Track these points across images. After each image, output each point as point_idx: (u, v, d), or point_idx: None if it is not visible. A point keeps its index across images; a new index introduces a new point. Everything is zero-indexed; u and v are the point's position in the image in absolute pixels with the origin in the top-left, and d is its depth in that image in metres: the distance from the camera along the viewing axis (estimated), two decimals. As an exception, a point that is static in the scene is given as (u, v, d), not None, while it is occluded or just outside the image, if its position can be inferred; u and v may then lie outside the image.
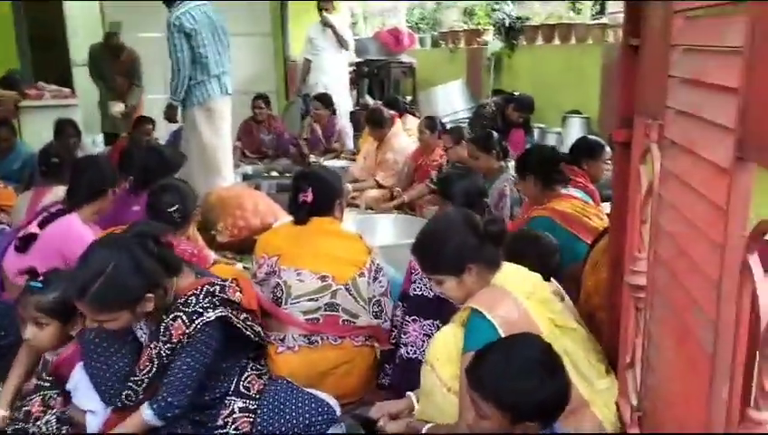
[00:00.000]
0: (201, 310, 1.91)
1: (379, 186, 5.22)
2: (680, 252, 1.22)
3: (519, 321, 1.66)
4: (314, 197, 2.46)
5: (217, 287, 1.98)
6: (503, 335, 1.61)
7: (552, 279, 2.24)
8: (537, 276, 1.87)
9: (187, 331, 1.88)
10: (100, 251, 1.83)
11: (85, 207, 2.80)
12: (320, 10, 6.65)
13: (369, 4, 11.70)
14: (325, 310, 2.37)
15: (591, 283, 2.36)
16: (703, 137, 1.10)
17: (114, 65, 6.52)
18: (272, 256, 2.40)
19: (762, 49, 0.87)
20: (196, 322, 1.89)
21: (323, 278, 2.36)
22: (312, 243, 2.41)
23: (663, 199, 1.34)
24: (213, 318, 1.91)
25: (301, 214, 2.49)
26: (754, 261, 0.90)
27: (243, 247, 4.08)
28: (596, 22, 6.04)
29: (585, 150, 3.59)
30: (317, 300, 2.35)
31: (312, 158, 6.22)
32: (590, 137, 3.92)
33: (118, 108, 6.41)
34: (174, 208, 2.69)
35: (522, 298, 1.73)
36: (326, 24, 6.67)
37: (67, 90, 6.62)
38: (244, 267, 3.42)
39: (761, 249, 0.94)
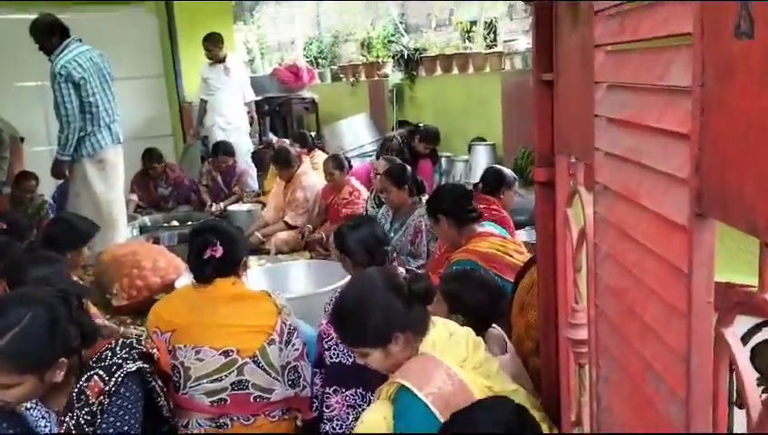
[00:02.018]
0: (120, 361, 1.66)
1: (289, 227, 4.99)
2: (628, 311, 1.09)
3: (454, 394, 1.49)
4: (224, 252, 2.22)
5: (134, 340, 1.78)
6: (436, 413, 1.43)
7: (495, 326, 2.12)
8: (469, 335, 1.71)
9: (106, 388, 1.62)
10: (17, 302, 1.60)
11: None
12: (207, 51, 6.40)
13: (264, 38, 11.53)
14: (233, 389, 2.11)
15: (521, 327, 2.24)
16: (645, 185, 0.98)
17: None
18: (165, 332, 2.11)
19: (716, 89, 0.75)
20: (116, 375, 1.64)
21: (227, 354, 2.10)
22: (212, 313, 2.13)
23: (600, 249, 1.21)
24: (134, 369, 1.67)
25: (207, 271, 2.22)
26: (731, 336, 0.77)
27: (143, 310, 3.72)
28: (492, 51, 6.14)
29: (497, 180, 3.54)
30: (221, 380, 2.08)
31: (214, 207, 5.90)
32: (499, 167, 3.89)
33: None
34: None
35: (455, 367, 1.56)
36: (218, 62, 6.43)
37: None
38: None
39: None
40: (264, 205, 5.71)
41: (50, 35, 4.11)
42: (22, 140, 6.07)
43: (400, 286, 1.66)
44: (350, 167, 4.94)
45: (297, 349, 2.24)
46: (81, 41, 4.25)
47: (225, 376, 2.08)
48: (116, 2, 8.54)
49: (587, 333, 1.36)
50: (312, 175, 5.19)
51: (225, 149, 6.11)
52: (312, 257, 4.61)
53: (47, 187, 5.36)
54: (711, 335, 0.83)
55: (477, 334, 2.00)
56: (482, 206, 3.16)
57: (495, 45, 6.53)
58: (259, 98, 7.29)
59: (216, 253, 2.19)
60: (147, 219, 5.47)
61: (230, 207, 5.75)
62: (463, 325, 1.79)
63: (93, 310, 3.38)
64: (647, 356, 1.02)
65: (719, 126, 0.76)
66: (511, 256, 2.86)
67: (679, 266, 0.86)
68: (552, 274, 1.58)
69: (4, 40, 6.13)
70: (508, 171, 3.73)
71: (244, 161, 6.53)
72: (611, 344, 1.20)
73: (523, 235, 3.84)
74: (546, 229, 1.62)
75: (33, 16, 4.25)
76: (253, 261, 4.36)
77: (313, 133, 7.85)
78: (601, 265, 1.21)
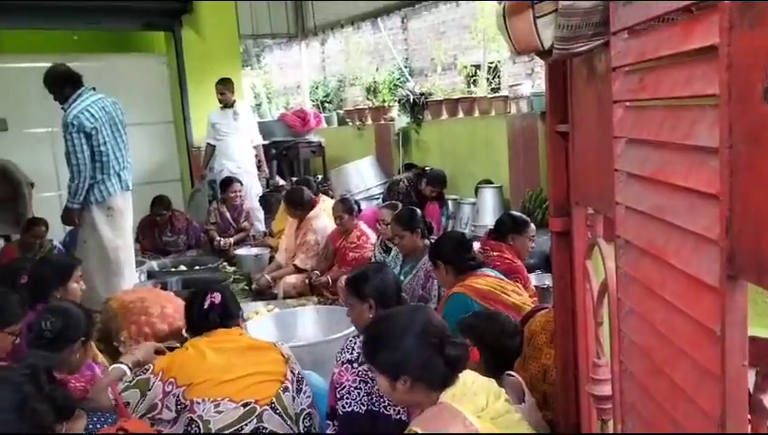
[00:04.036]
0: None
1: (298, 270, 4.97)
2: (656, 369, 1.07)
3: (470, 447, 1.46)
4: (222, 298, 2.34)
5: None
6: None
7: (512, 373, 2.09)
8: (489, 384, 1.68)
9: None
10: None
11: None
12: (220, 94, 6.50)
13: (271, 83, 11.72)
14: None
15: (525, 380, 2.21)
16: (673, 244, 0.97)
17: None
18: (180, 386, 2.09)
19: (746, 151, 0.75)
20: None
21: (246, 404, 2.10)
22: (226, 365, 2.13)
23: (624, 304, 1.20)
24: None
25: (211, 317, 2.31)
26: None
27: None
28: (497, 95, 6.21)
29: (511, 226, 3.53)
30: (242, 429, 2.07)
31: (222, 241, 5.92)
32: (514, 213, 3.89)
33: None
34: (49, 331, 2.28)
35: (472, 417, 1.53)
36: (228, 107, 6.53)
37: (-58, 195, 6.01)
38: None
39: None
40: (271, 248, 5.71)
41: (63, 85, 4.16)
42: (32, 185, 6.12)
43: (437, 344, 1.64)
44: (360, 210, 4.93)
45: (309, 396, 2.30)
46: (94, 89, 4.31)
47: (246, 425, 2.08)
48: (128, 51, 8.76)
49: (611, 389, 1.34)
50: (322, 218, 5.19)
51: (235, 180, 6.21)
52: (319, 301, 4.59)
53: (56, 232, 5.37)
54: (746, 399, 0.81)
55: (495, 376, 1.98)
56: (495, 253, 3.16)
57: (500, 89, 6.62)
58: (266, 142, 7.36)
59: (216, 299, 2.31)
60: (155, 264, 5.45)
61: (238, 252, 5.74)
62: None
63: (100, 358, 3.35)
64: (677, 418, 1.00)
65: (750, 188, 0.75)
66: (508, 295, 2.86)
67: (711, 327, 0.85)
68: (570, 325, 1.56)
69: (17, 87, 6.24)
70: (522, 218, 3.71)
71: (254, 203, 6.57)
72: (638, 403, 1.18)
73: (533, 279, 3.81)
74: (563, 279, 1.60)
75: (46, 64, 4.31)
76: (261, 306, 4.34)
77: (320, 177, 7.91)
78: (626, 321, 1.20)
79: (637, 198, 1.11)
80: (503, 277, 3.10)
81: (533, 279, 3.86)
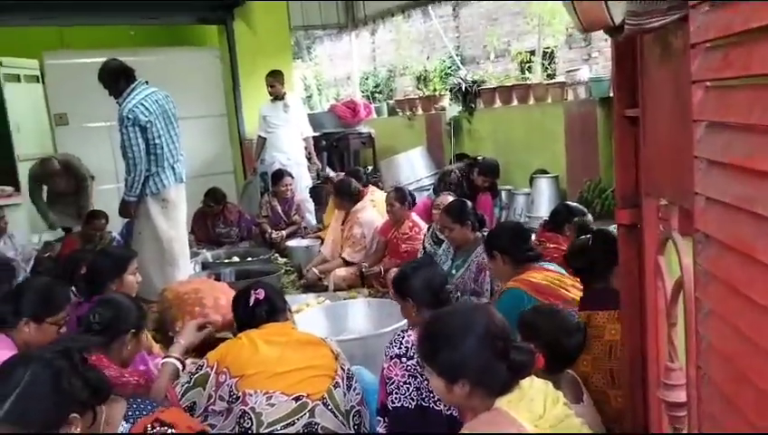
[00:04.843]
0: None
1: (347, 263, 4.94)
2: (741, 377, 0.96)
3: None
4: (266, 295, 2.38)
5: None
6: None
7: (569, 371, 1.99)
8: (546, 388, 1.58)
9: None
10: (15, 365, 1.56)
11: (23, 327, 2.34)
12: (270, 87, 6.51)
13: (322, 75, 11.74)
14: (304, 432, 2.08)
15: (587, 362, 2.13)
16: (762, 239, 0.86)
17: (53, 183, 6.13)
18: (233, 377, 2.08)
19: None
20: None
21: (298, 398, 2.08)
22: (279, 358, 2.12)
23: (702, 305, 1.09)
24: None
25: (258, 313, 2.33)
26: None
27: (204, 347, 3.72)
28: (554, 81, 6.01)
29: (567, 216, 3.40)
30: (294, 423, 2.06)
31: (275, 234, 5.96)
32: (570, 203, 3.74)
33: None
34: (98, 323, 2.28)
35: (528, 425, 1.44)
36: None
37: (9, 188, 6.28)
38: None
39: None
40: (322, 240, 5.71)
41: (117, 80, 4.24)
42: (92, 178, 6.30)
43: (501, 348, 1.54)
44: (414, 203, 4.85)
45: (359, 393, 2.27)
46: (147, 83, 4.37)
47: (298, 419, 2.07)
48: (183, 45, 8.91)
49: (685, 395, 1.23)
50: (369, 211, 5.14)
51: (287, 174, 6.24)
52: (370, 293, 4.55)
53: (116, 224, 5.50)
54: None
55: (553, 375, 1.89)
56: (552, 245, 3.03)
57: (555, 75, 6.41)
58: (317, 134, 7.37)
59: (260, 295, 2.35)
60: (209, 255, 5.53)
61: (289, 243, 5.76)
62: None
63: (156, 348, 3.40)
64: (765, 432, 0.90)
65: None
66: (567, 290, 2.73)
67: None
68: (638, 325, 1.45)
69: (76, 82, 6.40)
70: (578, 207, 3.57)
71: (304, 195, 6.58)
72: (718, 413, 1.07)
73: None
74: (631, 276, 1.50)
75: (104, 59, 4.39)
76: (311, 298, 4.34)
77: (370, 168, 7.87)
78: (704, 323, 1.09)
79: (719, 187, 1.01)
80: (563, 271, 2.97)
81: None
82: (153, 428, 1.63)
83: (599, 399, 2.07)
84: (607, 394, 2.06)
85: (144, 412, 1.69)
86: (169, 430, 1.63)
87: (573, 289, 2.75)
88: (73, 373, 1.56)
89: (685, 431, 1.28)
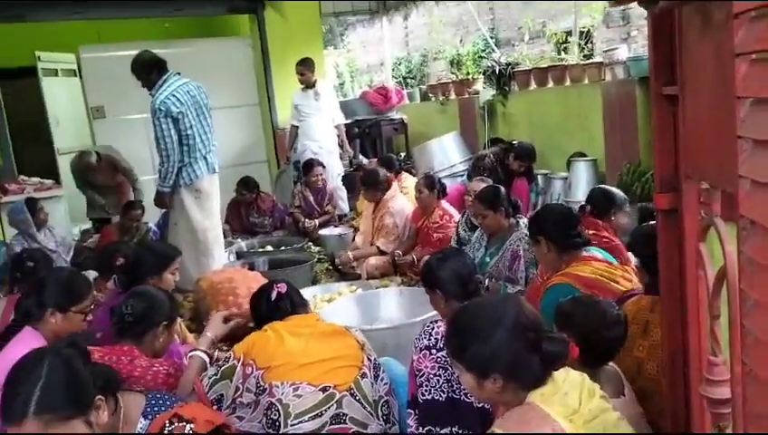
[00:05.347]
0: None
1: (381, 252, 4.90)
2: (792, 376, 0.89)
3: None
4: (287, 288, 2.41)
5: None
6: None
7: (611, 364, 1.92)
8: (582, 380, 1.51)
9: None
10: (31, 362, 1.57)
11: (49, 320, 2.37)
12: (300, 75, 6.49)
13: (354, 61, 11.68)
14: (331, 423, 2.06)
15: (627, 365, 2.03)
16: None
17: (93, 176, 6.23)
18: (259, 369, 2.07)
19: None
20: None
21: (324, 389, 2.06)
22: (305, 349, 2.10)
23: (748, 296, 1.01)
24: None
25: (283, 306, 2.36)
26: None
27: (238, 336, 3.74)
28: (590, 61, 5.82)
29: (606, 201, 3.27)
30: (322, 415, 2.04)
31: (308, 223, 5.96)
32: (607, 187, 3.60)
33: None
34: (129, 314, 2.30)
35: (562, 421, 1.38)
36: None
37: (49, 181, 6.42)
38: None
39: None
40: (355, 228, 5.68)
41: (149, 71, 4.27)
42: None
43: (533, 339, 1.48)
44: (445, 193, 4.77)
45: (386, 383, 2.25)
46: (179, 74, 4.39)
47: (325, 410, 2.05)
48: (215, 35, 8.96)
49: (729, 391, 1.15)
50: (400, 199, 5.09)
51: (317, 163, 6.21)
52: (403, 282, 4.51)
53: (153, 215, 5.57)
54: None
55: (592, 368, 1.81)
56: (591, 232, 2.92)
57: (592, 56, 6.22)
58: (349, 121, 7.32)
59: (282, 289, 2.37)
60: (243, 244, 5.56)
61: (321, 232, 5.75)
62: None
63: (190, 338, 3.43)
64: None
65: None
66: (618, 283, 2.61)
67: None
68: (679, 317, 1.37)
69: (112, 76, 6.49)
70: (617, 191, 3.43)
71: (336, 183, 6.56)
72: (766, 412, 0.99)
73: (633, 258, 3.54)
74: (671, 264, 1.41)
75: (137, 52, 4.42)
76: (344, 287, 4.32)
77: (403, 154, 7.80)
78: (750, 316, 1.01)
79: (766, 169, 0.92)
80: (612, 260, 2.84)
81: (633, 259, 3.59)
82: (172, 423, 1.62)
83: (651, 387, 1.99)
84: (660, 383, 1.97)
85: (163, 408, 1.69)
86: (188, 426, 1.62)
87: (623, 280, 2.63)
88: (84, 361, 1.59)
89: (729, 431, 1.20)
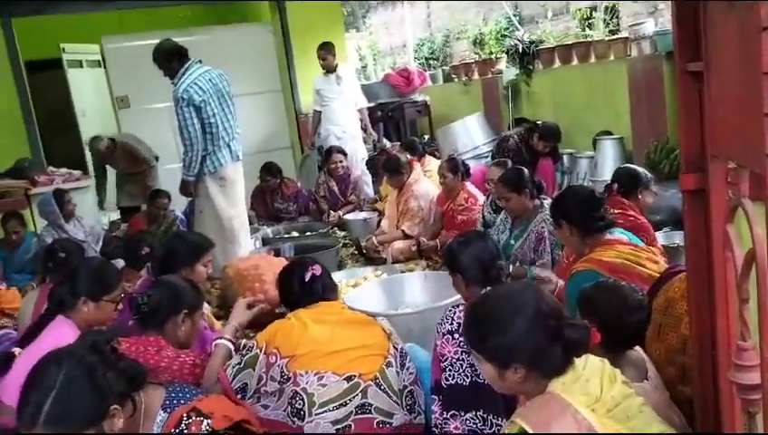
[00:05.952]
0: None
1: (406, 236, 4.89)
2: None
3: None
4: (322, 270, 2.35)
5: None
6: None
7: (636, 347, 1.88)
8: (603, 366, 1.48)
9: None
10: (47, 365, 1.54)
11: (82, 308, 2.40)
12: (321, 60, 6.46)
13: (376, 44, 11.58)
14: (356, 413, 2.05)
15: (659, 351, 1.98)
16: None
17: (112, 163, 6.32)
18: (284, 357, 2.07)
19: None
20: None
21: (349, 378, 2.05)
22: (330, 338, 2.09)
23: (777, 280, 0.98)
24: None
25: (315, 288, 2.30)
26: None
27: (264, 322, 3.78)
28: (616, 37, 5.69)
29: (632, 180, 3.21)
30: (347, 404, 2.03)
31: (332, 215, 5.96)
32: (632, 166, 3.53)
33: None
34: (145, 304, 2.28)
35: (584, 410, 1.35)
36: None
37: (77, 172, 6.51)
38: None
39: None
40: (379, 212, 5.67)
41: (170, 61, 4.28)
42: (156, 159, 6.46)
43: (554, 327, 1.46)
44: (469, 174, 4.74)
45: (412, 373, 2.22)
46: (201, 62, 4.39)
47: (350, 400, 2.04)
48: (237, 22, 8.97)
49: (759, 376, 1.12)
50: (423, 183, 5.07)
51: (336, 150, 6.19)
52: (428, 265, 4.50)
53: (179, 203, 5.63)
54: None
55: (615, 353, 1.78)
56: (617, 211, 2.86)
57: (618, 31, 6.07)
58: (372, 104, 7.29)
59: (317, 271, 2.31)
60: (269, 231, 5.59)
61: (346, 216, 5.75)
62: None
63: (218, 326, 3.46)
64: None
65: None
66: (644, 265, 2.54)
67: None
68: (707, 300, 1.33)
69: (136, 65, 6.53)
70: (642, 170, 3.37)
71: (360, 169, 6.54)
72: (797, 399, 0.97)
73: (660, 237, 3.47)
74: (698, 246, 1.37)
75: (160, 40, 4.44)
76: (369, 272, 4.32)
77: (426, 137, 7.74)
78: (780, 301, 0.98)
79: (796, 148, 0.89)
80: (637, 241, 2.78)
81: (661, 238, 3.52)
82: (189, 417, 1.62)
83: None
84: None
85: (182, 401, 1.69)
86: (205, 422, 1.62)
87: (649, 262, 2.56)
88: (107, 367, 1.55)
89: (760, 416, 1.17)
